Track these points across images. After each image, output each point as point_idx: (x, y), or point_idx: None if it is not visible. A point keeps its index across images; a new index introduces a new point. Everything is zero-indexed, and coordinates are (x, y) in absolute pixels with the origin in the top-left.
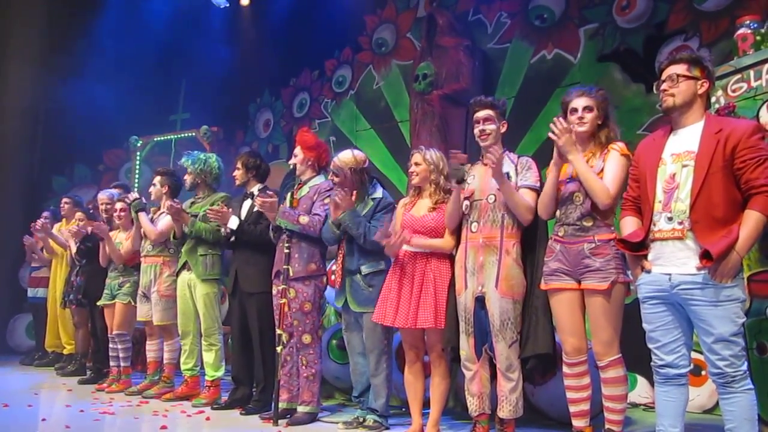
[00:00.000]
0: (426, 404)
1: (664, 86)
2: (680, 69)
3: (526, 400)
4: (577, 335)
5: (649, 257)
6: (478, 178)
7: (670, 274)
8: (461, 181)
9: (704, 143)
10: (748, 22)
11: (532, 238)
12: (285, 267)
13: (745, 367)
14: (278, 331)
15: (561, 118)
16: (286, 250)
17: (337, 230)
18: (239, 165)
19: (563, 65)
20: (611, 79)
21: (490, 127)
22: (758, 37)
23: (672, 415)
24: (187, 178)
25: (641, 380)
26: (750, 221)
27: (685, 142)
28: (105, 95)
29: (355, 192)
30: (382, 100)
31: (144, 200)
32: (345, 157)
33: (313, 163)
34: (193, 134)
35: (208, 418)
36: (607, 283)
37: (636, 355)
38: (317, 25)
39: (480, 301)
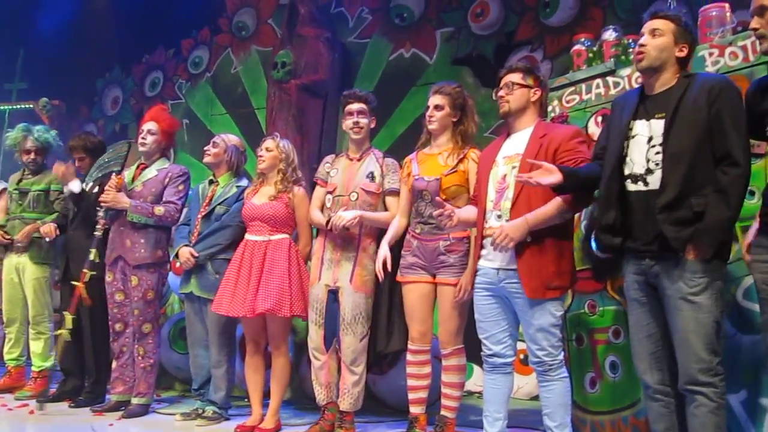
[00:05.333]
0: (267, 395)
1: (501, 93)
2: (516, 77)
3: (368, 389)
4: (425, 324)
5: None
6: (341, 172)
7: (498, 269)
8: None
9: (530, 146)
10: (583, 39)
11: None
12: (120, 254)
13: (561, 356)
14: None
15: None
16: (121, 235)
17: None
18: (83, 154)
19: (419, 65)
20: (463, 82)
21: (363, 120)
22: (591, 54)
23: (497, 401)
24: (37, 158)
25: (477, 369)
26: (551, 203)
27: (516, 146)
28: None
29: (226, 168)
30: (240, 85)
31: None
32: (232, 135)
33: (165, 146)
34: (31, 106)
35: (32, 412)
36: (459, 277)
37: (474, 346)
38: (175, 2)
39: (334, 294)
